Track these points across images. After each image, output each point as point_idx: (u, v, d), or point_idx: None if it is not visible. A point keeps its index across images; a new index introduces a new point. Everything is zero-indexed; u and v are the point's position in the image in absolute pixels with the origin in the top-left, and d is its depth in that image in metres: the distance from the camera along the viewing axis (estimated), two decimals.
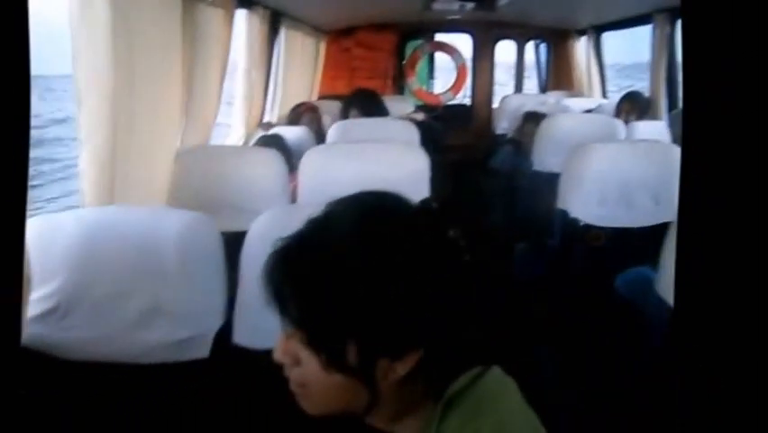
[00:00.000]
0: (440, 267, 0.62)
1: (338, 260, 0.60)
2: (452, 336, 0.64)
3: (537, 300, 2.43)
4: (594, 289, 1.93)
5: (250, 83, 2.99)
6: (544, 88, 5.73)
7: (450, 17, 5.10)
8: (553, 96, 4.69)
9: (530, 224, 2.74)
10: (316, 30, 4.69)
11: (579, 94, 4.90)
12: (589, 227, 2.13)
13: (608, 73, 4.96)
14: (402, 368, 0.61)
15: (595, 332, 1.91)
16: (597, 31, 4.62)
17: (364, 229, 0.61)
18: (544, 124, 2.84)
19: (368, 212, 0.63)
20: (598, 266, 2.02)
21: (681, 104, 3.45)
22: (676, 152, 2.15)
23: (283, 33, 3.60)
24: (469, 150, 5.02)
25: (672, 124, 2.47)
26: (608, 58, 4.84)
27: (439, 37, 5.85)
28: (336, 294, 0.59)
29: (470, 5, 4.33)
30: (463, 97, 5.87)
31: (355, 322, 0.60)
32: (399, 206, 0.65)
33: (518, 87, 5.88)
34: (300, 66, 4.32)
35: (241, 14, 2.84)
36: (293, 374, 0.64)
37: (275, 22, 3.37)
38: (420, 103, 5.38)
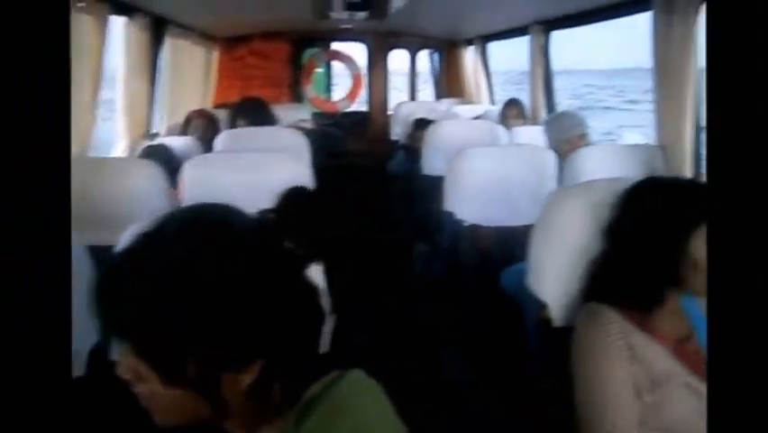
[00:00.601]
0: (272, 279, 0.61)
1: (167, 275, 0.58)
2: (294, 345, 0.64)
3: (438, 301, 2.54)
4: (486, 286, 2.05)
5: (130, 93, 2.88)
6: (438, 96, 5.97)
7: (344, 26, 5.19)
8: (443, 104, 4.89)
9: (425, 225, 2.86)
10: (207, 38, 4.60)
11: (469, 101, 5.16)
12: (475, 227, 2.27)
13: (503, 80, 5.26)
14: (248, 377, 0.61)
15: (488, 330, 2.02)
16: (483, 40, 4.89)
17: (194, 242, 0.59)
18: (430, 130, 2.98)
19: (198, 225, 0.62)
20: (488, 264, 2.15)
21: (556, 109, 3.74)
22: (549, 155, 2.35)
23: (168, 41, 3.50)
24: (367, 155, 5.13)
25: (546, 129, 2.67)
26: (502, 66, 5.13)
27: (335, 46, 5.93)
28: (167, 311, 0.57)
29: (361, 15, 4.43)
30: (360, 105, 5.98)
31: (189, 338, 0.58)
32: (233, 218, 0.64)
33: (413, 95, 6.08)
34: (191, 75, 4.22)
35: (119, 21, 2.74)
36: (138, 390, 0.62)
37: (158, 29, 3.27)
38: (317, 111, 5.42)
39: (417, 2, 3.64)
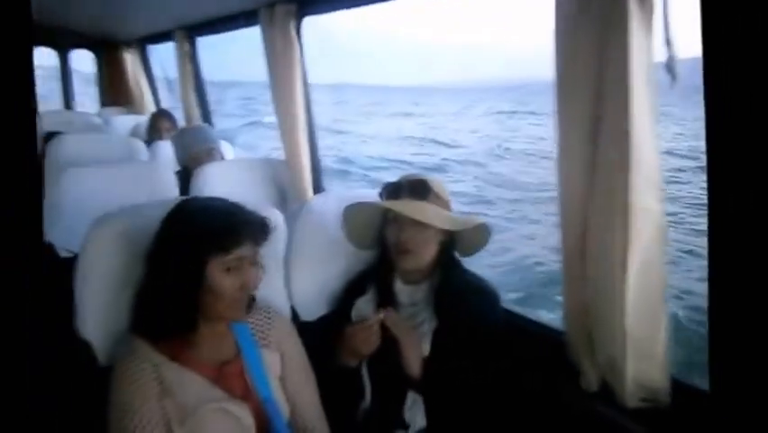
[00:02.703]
0: None
1: None
2: None
3: None
4: None
5: None
6: (104, 103, 5.41)
7: None
8: (81, 114, 4.47)
9: None
10: None
11: (135, 110, 4.79)
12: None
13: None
14: None
15: None
16: (140, 43, 4.59)
17: None
18: (49, 148, 2.64)
19: None
20: None
21: (212, 120, 3.69)
22: (167, 172, 2.25)
23: None
24: None
25: (174, 144, 2.57)
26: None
27: None
28: None
29: None
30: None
31: None
32: None
33: (67, 103, 5.40)
34: None
35: None
36: None
37: None
38: None
39: None
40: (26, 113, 0.57)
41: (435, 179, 1.48)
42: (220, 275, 1.11)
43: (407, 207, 1.39)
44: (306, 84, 2.33)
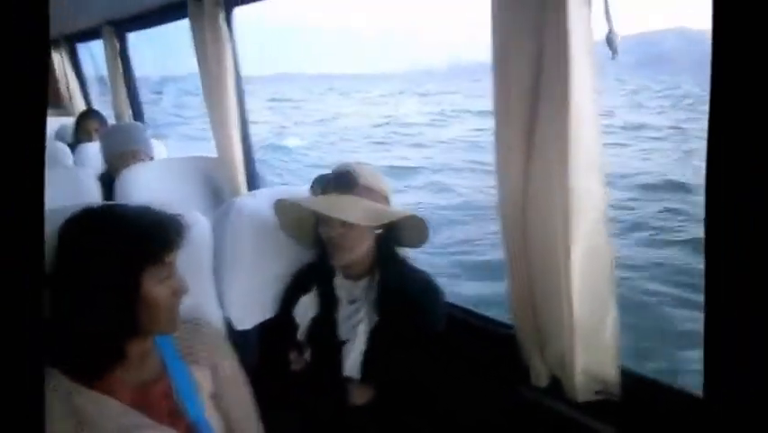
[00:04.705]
0: None
1: None
2: None
3: None
4: None
5: None
6: None
7: None
8: None
9: None
10: None
11: (67, 112, 4.54)
12: None
13: None
14: None
15: None
16: (69, 40, 4.34)
17: None
18: None
19: None
20: None
21: (144, 119, 3.52)
22: (88, 175, 2.11)
23: None
24: None
25: (101, 144, 2.41)
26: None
27: None
28: None
29: None
30: None
31: None
32: None
33: None
34: None
35: None
36: None
37: None
38: None
39: None
40: (36, 112, 0.52)
41: (366, 168, 1.41)
42: (157, 287, 1.00)
43: (325, 205, 1.34)
44: (238, 77, 2.22)
